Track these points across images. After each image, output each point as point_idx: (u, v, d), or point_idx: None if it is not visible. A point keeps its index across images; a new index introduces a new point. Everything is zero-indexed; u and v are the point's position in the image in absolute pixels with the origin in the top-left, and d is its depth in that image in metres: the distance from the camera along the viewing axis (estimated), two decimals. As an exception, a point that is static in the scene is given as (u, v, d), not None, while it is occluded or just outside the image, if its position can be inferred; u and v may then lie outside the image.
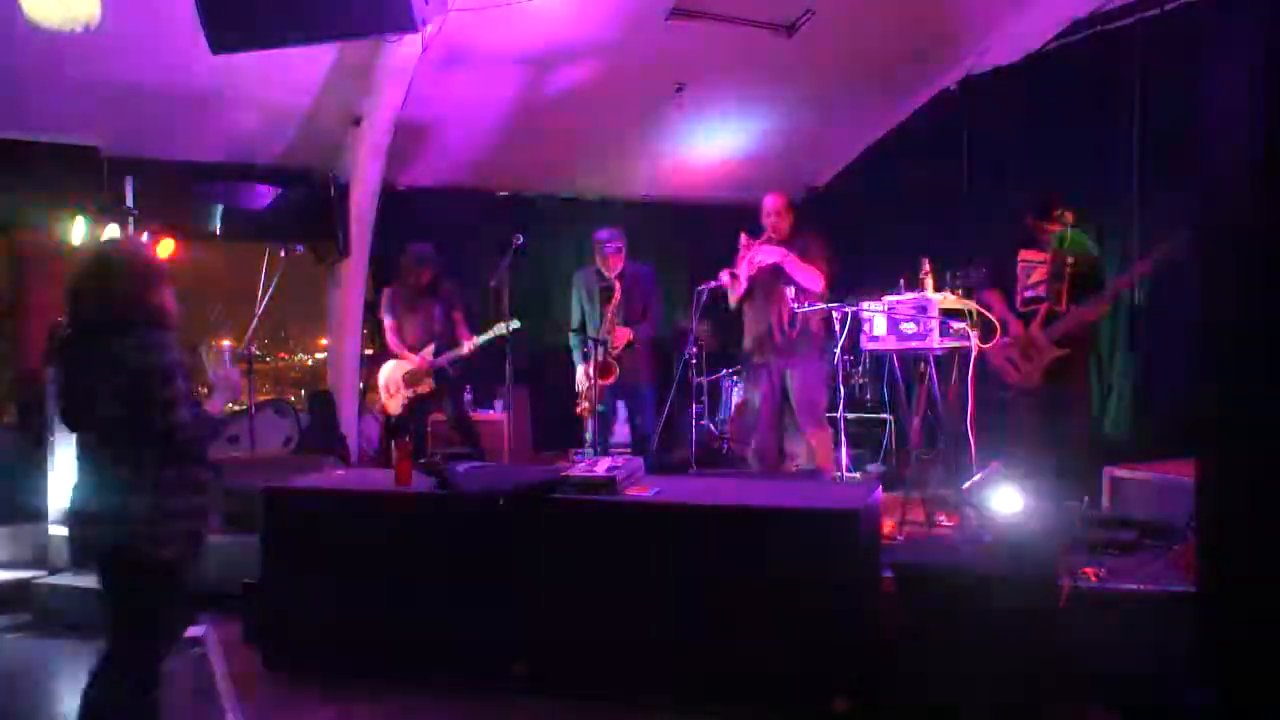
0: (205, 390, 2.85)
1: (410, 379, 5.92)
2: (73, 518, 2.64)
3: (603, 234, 5.82)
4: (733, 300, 5.15)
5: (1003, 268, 4.89)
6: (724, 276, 5.04)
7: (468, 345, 5.75)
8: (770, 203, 5.11)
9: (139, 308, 2.59)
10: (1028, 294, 4.79)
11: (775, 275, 4.97)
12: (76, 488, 2.62)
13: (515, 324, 5.56)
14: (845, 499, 3.21)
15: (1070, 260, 4.68)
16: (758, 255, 4.95)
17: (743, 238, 5.04)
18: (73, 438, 2.70)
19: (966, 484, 4.31)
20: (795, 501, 3.22)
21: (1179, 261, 5.03)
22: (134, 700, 2.56)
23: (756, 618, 3.02)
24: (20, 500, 4.98)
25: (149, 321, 2.60)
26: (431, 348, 5.83)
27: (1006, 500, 3.95)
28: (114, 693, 2.55)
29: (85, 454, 2.63)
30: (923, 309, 4.38)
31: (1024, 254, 4.84)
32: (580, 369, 5.78)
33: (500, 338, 5.59)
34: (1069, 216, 4.70)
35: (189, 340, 2.84)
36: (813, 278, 4.90)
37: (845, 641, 2.95)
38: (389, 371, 6.10)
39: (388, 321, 6.06)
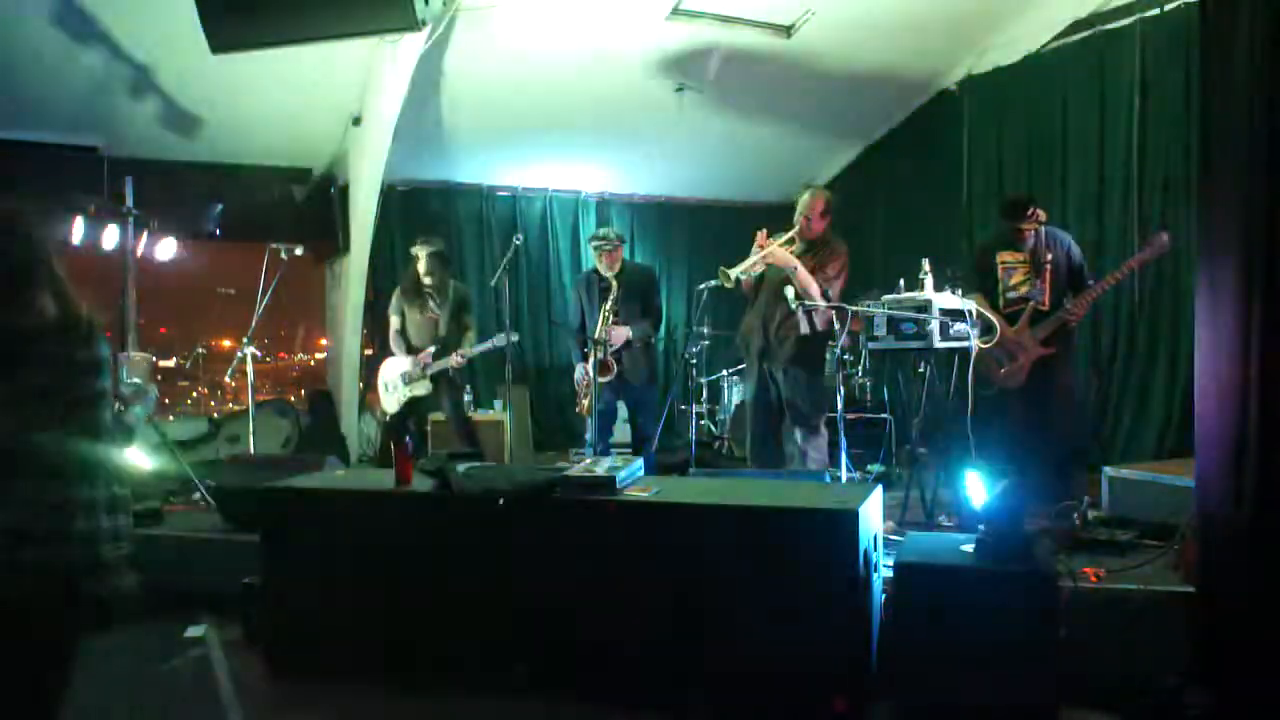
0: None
1: (407, 378, 5.92)
2: None
3: (599, 234, 5.82)
4: (745, 289, 4.95)
5: (987, 269, 4.92)
6: (722, 275, 4.97)
7: (460, 356, 5.72)
8: (809, 203, 4.78)
9: None
10: (1010, 294, 4.83)
11: (778, 277, 4.88)
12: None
13: (515, 336, 5.54)
14: (845, 499, 3.21)
15: (1049, 259, 4.72)
16: (768, 259, 4.72)
17: (760, 235, 4.76)
18: None
19: (966, 484, 4.30)
20: (795, 501, 3.22)
21: (1160, 262, 5.08)
22: None
23: (756, 617, 3.02)
24: None
25: None
26: (432, 349, 5.82)
27: (1004, 499, 3.94)
28: None
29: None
30: (923, 309, 4.38)
31: (1003, 255, 4.87)
32: (579, 368, 5.78)
33: (498, 347, 5.58)
34: (1041, 215, 4.73)
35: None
36: (816, 293, 4.67)
37: (845, 641, 2.95)
38: (387, 370, 6.10)
39: (394, 321, 6.05)
